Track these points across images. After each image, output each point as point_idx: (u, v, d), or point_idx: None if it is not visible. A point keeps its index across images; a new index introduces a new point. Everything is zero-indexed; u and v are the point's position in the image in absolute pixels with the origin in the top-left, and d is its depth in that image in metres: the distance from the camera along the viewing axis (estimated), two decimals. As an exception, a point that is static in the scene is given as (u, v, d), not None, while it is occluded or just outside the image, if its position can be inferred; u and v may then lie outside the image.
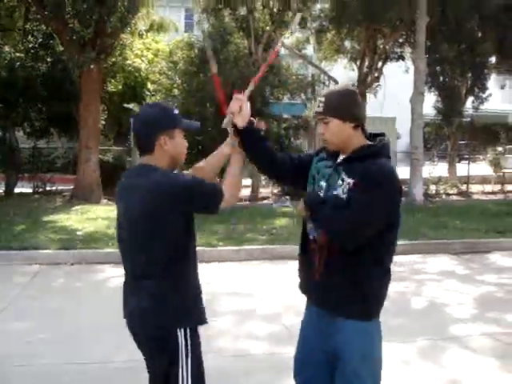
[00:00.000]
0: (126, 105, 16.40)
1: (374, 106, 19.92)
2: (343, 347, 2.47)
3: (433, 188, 16.52)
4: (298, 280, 2.70)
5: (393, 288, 6.96)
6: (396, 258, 8.94)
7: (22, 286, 6.82)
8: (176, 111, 2.57)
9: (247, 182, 17.64)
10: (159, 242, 2.41)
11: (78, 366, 4.46)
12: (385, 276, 2.52)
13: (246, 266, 8.05)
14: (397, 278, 7.27)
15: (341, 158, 2.53)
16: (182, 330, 2.44)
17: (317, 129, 2.70)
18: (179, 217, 2.43)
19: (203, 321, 2.55)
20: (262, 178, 17.32)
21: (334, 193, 2.42)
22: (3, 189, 15.43)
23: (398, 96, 20.86)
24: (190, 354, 2.44)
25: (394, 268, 2.57)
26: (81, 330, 5.28)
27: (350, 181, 2.40)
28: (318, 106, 2.51)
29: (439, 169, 18.37)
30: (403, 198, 2.58)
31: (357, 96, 2.52)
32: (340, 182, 2.43)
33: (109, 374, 4.32)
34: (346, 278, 2.43)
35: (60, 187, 16.31)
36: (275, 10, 17.14)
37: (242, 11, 17.06)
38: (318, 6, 17.56)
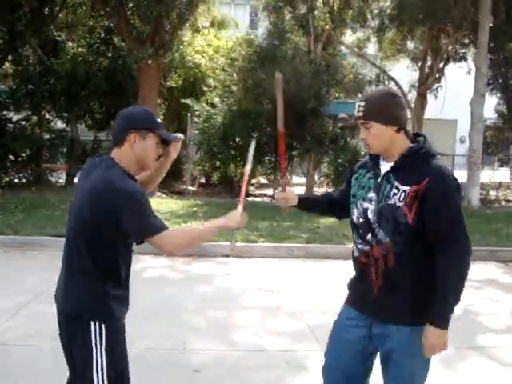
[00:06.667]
0: (183, 100, 16.63)
1: (434, 108, 19.44)
2: (397, 350, 2.46)
3: (492, 194, 15.98)
4: (348, 294, 2.70)
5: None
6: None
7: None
8: (158, 120, 2.60)
9: (302, 180, 17.58)
10: None
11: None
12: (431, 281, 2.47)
13: (284, 263, 8.05)
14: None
15: (386, 165, 2.51)
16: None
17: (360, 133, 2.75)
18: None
19: None
20: (316, 177, 17.24)
21: (389, 202, 2.41)
22: (64, 178, 16.05)
23: (459, 98, 20.27)
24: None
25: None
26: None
27: (407, 188, 2.39)
28: (358, 111, 2.46)
29: (501, 174, 17.73)
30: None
31: (398, 98, 2.48)
32: (395, 190, 2.42)
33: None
34: (405, 287, 2.42)
35: (119, 179, 16.77)
36: (335, 8, 17.04)
37: (303, 9, 17.04)
38: (379, 3, 17.28)
